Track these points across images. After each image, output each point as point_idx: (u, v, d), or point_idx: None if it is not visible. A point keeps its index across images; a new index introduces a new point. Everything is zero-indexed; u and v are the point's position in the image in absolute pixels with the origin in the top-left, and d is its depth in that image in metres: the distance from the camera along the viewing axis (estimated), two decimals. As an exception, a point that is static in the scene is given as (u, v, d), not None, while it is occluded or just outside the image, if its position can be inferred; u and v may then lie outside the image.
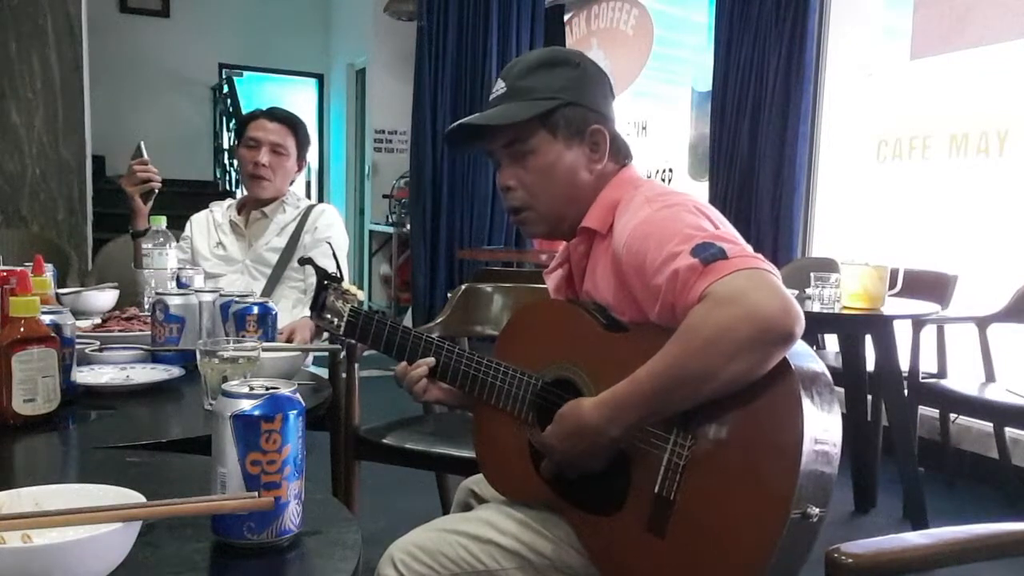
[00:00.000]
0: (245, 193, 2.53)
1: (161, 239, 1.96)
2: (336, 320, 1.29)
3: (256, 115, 2.48)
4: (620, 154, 1.32)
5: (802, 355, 1.05)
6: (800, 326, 1.00)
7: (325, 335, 2.06)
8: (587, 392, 1.18)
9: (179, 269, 1.97)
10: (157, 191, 2.28)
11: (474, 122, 1.29)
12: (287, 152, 2.41)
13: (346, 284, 1.31)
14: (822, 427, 1.01)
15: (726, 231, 1.12)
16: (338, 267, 1.36)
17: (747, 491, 1.02)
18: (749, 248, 1.08)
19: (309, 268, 2.28)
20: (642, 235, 1.13)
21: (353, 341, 1.36)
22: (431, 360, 1.29)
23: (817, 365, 1.06)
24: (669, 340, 1.04)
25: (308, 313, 1.40)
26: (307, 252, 2.35)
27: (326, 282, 1.30)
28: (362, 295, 1.35)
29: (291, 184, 2.50)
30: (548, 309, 1.37)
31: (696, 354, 1.02)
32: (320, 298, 1.30)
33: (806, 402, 1.00)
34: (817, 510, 0.98)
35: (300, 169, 2.50)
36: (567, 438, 1.14)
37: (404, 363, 1.30)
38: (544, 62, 1.29)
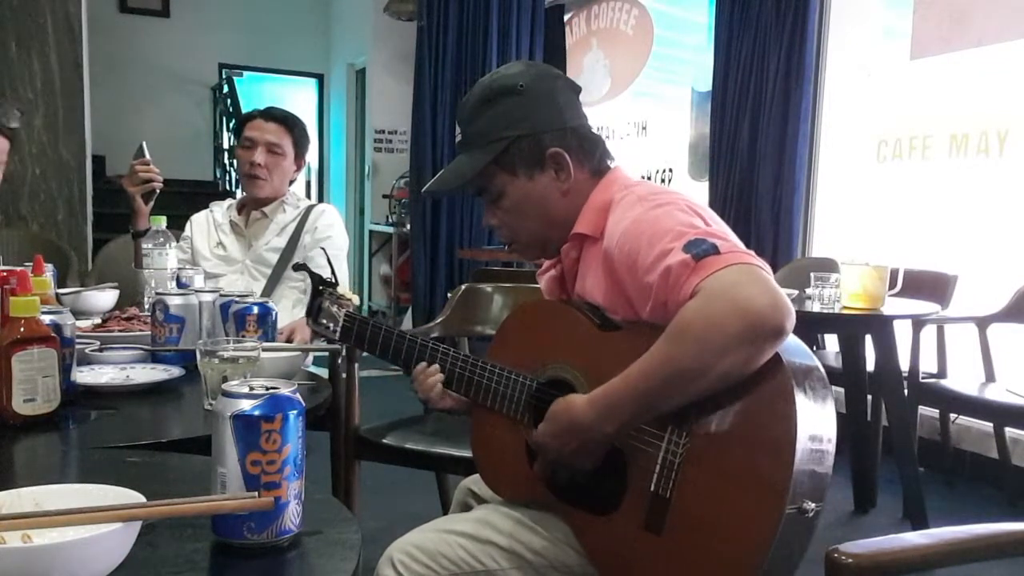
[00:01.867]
0: (245, 193, 2.53)
1: (161, 239, 1.96)
2: (332, 325, 1.30)
3: (253, 115, 2.48)
4: (594, 158, 1.30)
5: (794, 350, 1.05)
6: (790, 321, 1.01)
7: (325, 335, 2.06)
8: (582, 392, 1.18)
9: (179, 269, 1.97)
10: (158, 191, 2.27)
11: (437, 188, 1.32)
12: (283, 152, 2.41)
13: (341, 289, 1.32)
14: (816, 422, 1.02)
15: (718, 228, 1.12)
16: (332, 272, 1.36)
17: (743, 487, 1.03)
18: (741, 244, 1.08)
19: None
20: (634, 234, 1.13)
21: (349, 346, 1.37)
22: (435, 368, 1.28)
23: (810, 360, 1.07)
24: (661, 336, 1.05)
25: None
26: (307, 252, 2.35)
27: (321, 287, 1.31)
28: (357, 299, 1.36)
29: (291, 184, 2.50)
30: (542, 309, 1.37)
31: (688, 350, 1.02)
32: (315, 304, 1.31)
33: (799, 397, 1.00)
34: (813, 505, 0.99)
35: (299, 168, 2.49)
36: (560, 436, 1.14)
37: (419, 369, 1.29)
38: (487, 98, 1.28)
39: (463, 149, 1.31)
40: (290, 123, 2.44)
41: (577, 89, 1.33)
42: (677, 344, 1.03)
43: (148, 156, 2.25)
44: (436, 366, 1.28)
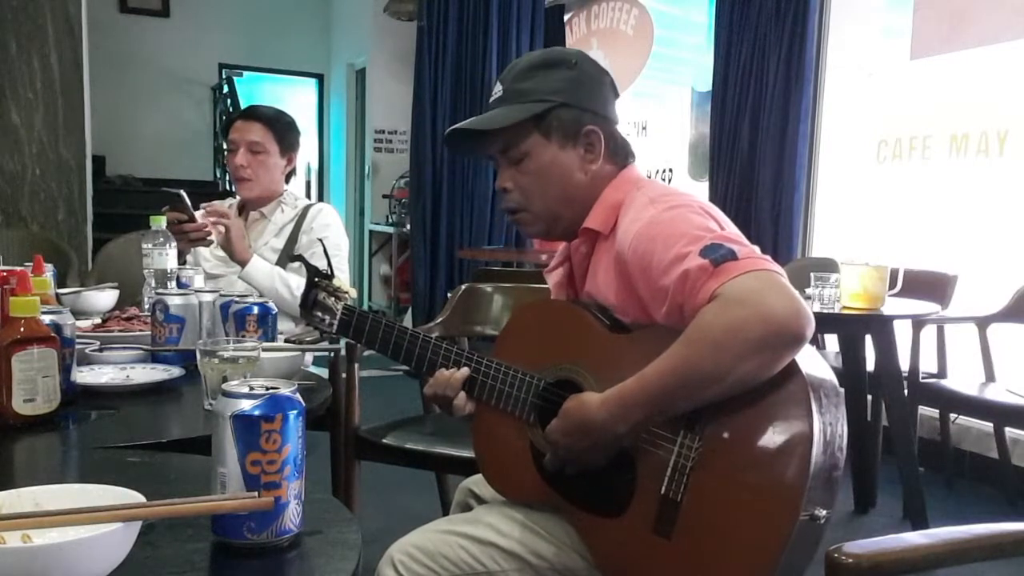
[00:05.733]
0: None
1: (161, 239, 1.95)
2: (328, 318, 1.27)
3: (233, 118, 2.47)
4: (620, 154, 1.31)
5: (810, 358, 1.05)
6: (810, 328, 1.01)
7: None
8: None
9: (179, 269, 1.97)
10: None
11: (468, 127, 1.29)
12: (265, 149, 2.38)
13: (337, 282, 1.30)
14: (830, 430, 1.01)
15: (732, 232, 1.12)
16: (329, 265, 1.34)
17: (755, 493, 1.02)
18: (757, 249, 1.08)
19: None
20: (648, 236, 1.13)
21: (347, 340, 1.35)
22: (464, 372, 1.25)
23: (824, 368, 1.07)
24: (678, 339, 1.04)
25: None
26: (305, 252, 2.35)
27: (316, 279, 1.28)
28: (354, 292, 1.34)
29: (288, 180, 2.49)
30: (549, 309, 1.36)
31: (706, 353, 1.02)
32: (311, 296, 1.28)
33: (815, 405, 1.00)
34: (824, 512, 0.99)
35: (290, 164, 2.46)
36: (571, 434, 1.13)
37: (439, 378, 1.26)
38: (541, 63, 1.29)
39: (500, 104, 1.28)
40: (270, 120, 2.40)
41: (617, 93, 1.35)
42: (695, 347, 1.03)
43: (191, 208, 2.13)
44: (465, 369, 1.25)
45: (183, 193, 2.15)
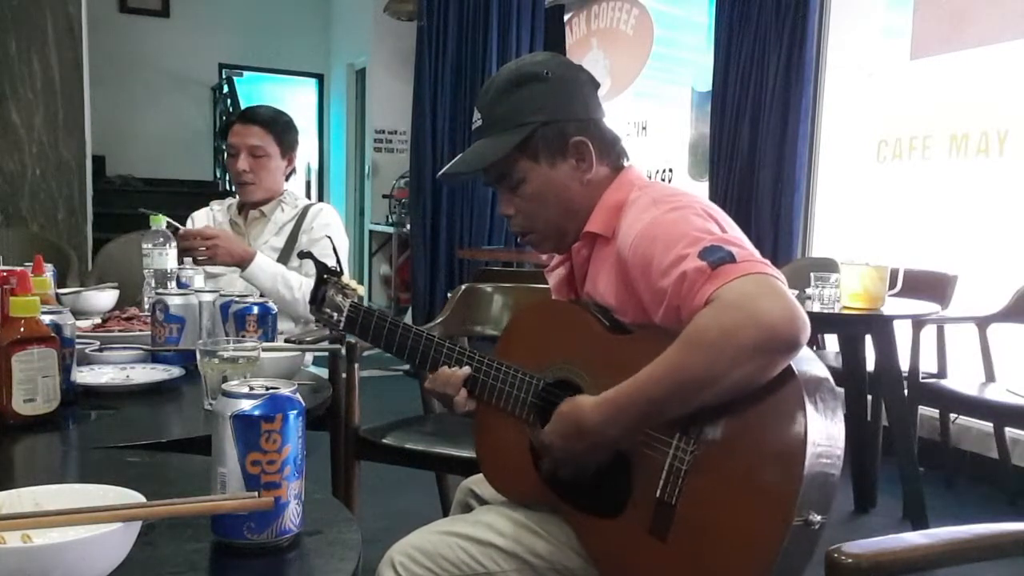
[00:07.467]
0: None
1: (161, 239, 1.95)
2: (336, 315, 1.28)
3: (232, 121, 2.46)
4: (613, 153, 1.30)
5: (806, 360, 1.05)
6: (805, 334, 1.00)
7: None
8: (589, 394, 1.17)
9: (179, 269, 1.97)
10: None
11: (455, 171, 1.30)
12: (266, 152, 2.37)
13: (346, 279, 1.30)
14: (825, 434, 1.01)
15: (734, 235, 1.12)
16: (338, 262, 1.34)
17: (749, 497, 1.02)
18: (757, 253, 1.08)
19: (306, 267, 2.29)
20: (649, 237, 1.12)
21: (353, 337, 1.35)
22: (465, 371, 1.26)
23: (820, 370, 1.06)
24: (674, 343, 1.04)
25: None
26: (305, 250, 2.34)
27: (325, 276, 1.28)
28: (362, 290, 1.34)
29: (288, 179, 2.49)
30: (551, 310, 1.36)
31: (700, 358, 1.01)
32: (319, 292, 1.28)
33: (810, 408, 0.99)
34: (819, 517, 0.98)
35: (290, 164, 2.46)
36: (565, 436, 1.14)
37: (440, 375, 1.26)
38: (511, 83, 1.26)
39: (483, 134, 1.28)
40: (269, 122, 2.40)
41: (597, 84, 1.33)
42: (689, 352, 1.02)
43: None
44: (467, 368, 1.25)
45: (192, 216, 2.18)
